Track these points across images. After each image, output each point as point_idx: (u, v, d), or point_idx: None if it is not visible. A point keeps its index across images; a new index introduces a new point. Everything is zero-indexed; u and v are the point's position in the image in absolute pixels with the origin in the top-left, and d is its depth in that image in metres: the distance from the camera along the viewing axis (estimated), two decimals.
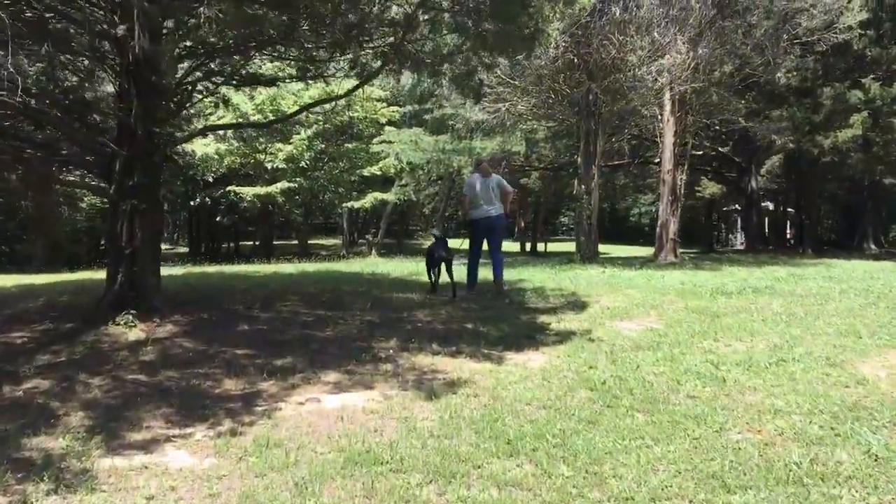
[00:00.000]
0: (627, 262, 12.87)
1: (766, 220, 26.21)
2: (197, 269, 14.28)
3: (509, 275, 11.15)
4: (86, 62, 7.06)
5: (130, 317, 6.36)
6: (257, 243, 45.92)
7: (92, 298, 7.52)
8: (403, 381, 4.96)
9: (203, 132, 10.87)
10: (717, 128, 15.02)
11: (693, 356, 5.67)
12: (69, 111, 7.43)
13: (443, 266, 8.94)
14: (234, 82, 7.89)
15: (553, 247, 45.25)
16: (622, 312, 7.51)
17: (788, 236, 30.03)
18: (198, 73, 7.51)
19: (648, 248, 45.14)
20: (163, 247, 47.08)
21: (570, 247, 46.84)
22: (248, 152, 27.48)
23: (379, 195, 27.20)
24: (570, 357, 5.66)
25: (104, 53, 6.80)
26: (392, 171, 25.66)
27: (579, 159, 12.04)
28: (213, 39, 6.71)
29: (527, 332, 6.60)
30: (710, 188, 28.41)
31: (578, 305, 8.04)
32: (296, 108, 26.48)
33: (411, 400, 4.53)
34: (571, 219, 62.02)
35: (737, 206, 39.40)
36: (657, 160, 13.46)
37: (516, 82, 11.59)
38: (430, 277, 9.13)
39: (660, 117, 12.97)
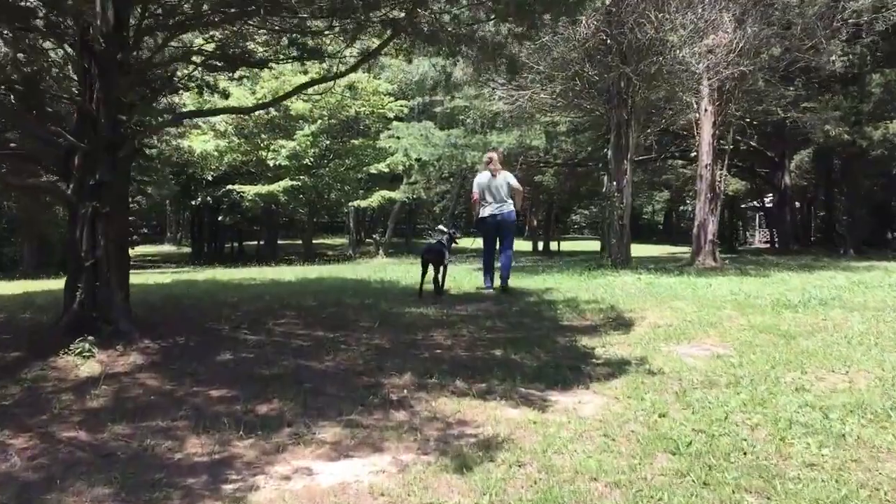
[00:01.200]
0: (662, 267, 11.66)
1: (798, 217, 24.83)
2: (186, 277, 13.14)
3: (533, 281, 10.01)
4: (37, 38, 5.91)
5: (87, 344, 5.22)
6: (262, 243, 44.88)
7: (57, 317, 6.39)
8: (423, 441, 3.79)
9: (178, 119, 9.71)
10: (748, 119, 13.83)
11: (786, 397, 4.49)
12: (24, 97, 6.30)
13: (431, 267, 8.80)
14: (219, 64, 6.71)
15: (566, 245, 43.99)
16: (677, 333, 6.32)
17: (813, 235, 28.61)
18: (172, 49, 6.36)
19: (663, 248, 43.87)
20: (166, 248, 46.22)
21: (584, 245, 45.61)
22: (250, 149, 26.40)
23: (387, 194, 26.07)
24: (632, 399, 4.48)
25: (58, 24, 5.65)
26: (400, 168, 24.55)
27: (609, 153, 10.84)
28: (185, 6, 5.55)
29: (569, 362, 5.42)
30: (733, 185, 27.10)
31: (623, 323, 6.85)
32: (300, 102, 25.37)
33: (435, 473, 3.36)
34: (586, 217, 60.51)
35: (755, 203, 38.05)
36: (693, 153, 12.22)
37: (540, 66, 10.39)
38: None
39: (696, 106, 11.74)
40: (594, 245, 43.19)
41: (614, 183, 10.80)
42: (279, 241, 43.80)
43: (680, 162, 25.11)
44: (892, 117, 13.57)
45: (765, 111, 12.74)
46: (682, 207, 48.32)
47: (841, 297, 8.11)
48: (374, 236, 42.71)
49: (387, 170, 25.33)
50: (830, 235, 22.22)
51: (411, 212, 42.19)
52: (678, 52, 9.42)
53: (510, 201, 8.77)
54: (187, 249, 46.26)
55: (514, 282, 9.86)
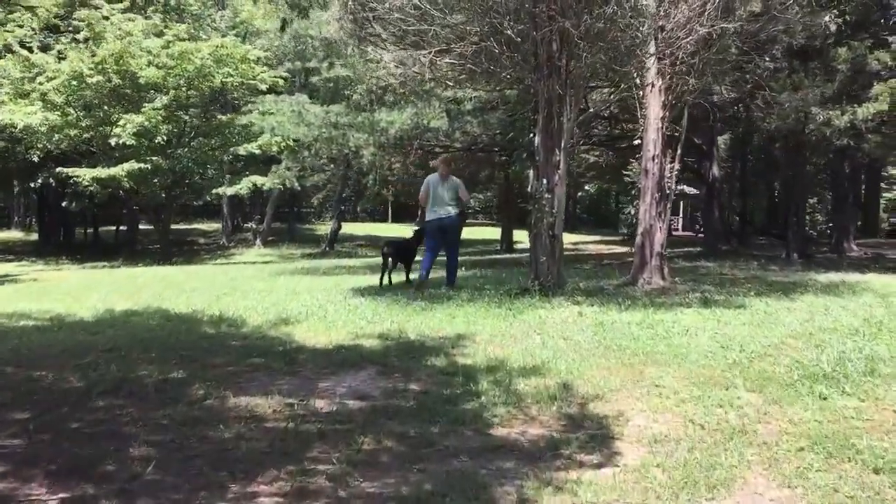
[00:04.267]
0: (600, 288, 9.03)
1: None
2: None
3: (438, 320, 7.12)
4: None
5: None
6: (123, 229, 39.72)
7: None
8: None
9: None
10: (711, 97, 11.48)
11: None
12: None
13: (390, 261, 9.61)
14: None
15: (468, 232, 41.41)
16: (699, 466, 3.58)
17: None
18: None
19: (585, 237, 41.91)
20: (14, 234, 40.24)
21: (480, 233, 43.14)
22: (92, 124, 21.92)
23: (259, 180, 22.33)
24: None
25: None
26: (275, 149, 20.94)
27: (536, 139, 8.08)
28: None
29: None
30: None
31: (595, 435, 4.05)
32: (151, 69, 21.17)
33: None
34: (480, 202, 57.91)
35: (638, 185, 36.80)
36: (637, 141, 9.67)
37: (443, 19, 7.42)
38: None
39: (639, 82, 9.15)
40: (491, 232, 40.88)
41: (543, 180, 8.03)
42: (143, 227, 38.76)
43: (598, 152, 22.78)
44: (862, 99, 11.55)
45: (734, 86, 10.37)
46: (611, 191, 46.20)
47: (876, 354, 5.67)
48: (251, 223, 38.61)
49: (258, 151, 21.63)
50: (745, 233, 20.81)
51: (294, 196, 38.24)
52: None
53: (454, 206, 9.08)
54: (36, 236, 40.31)
55: (413, 317, 7.08)
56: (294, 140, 16.22)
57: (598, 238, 40.21)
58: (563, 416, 4.32)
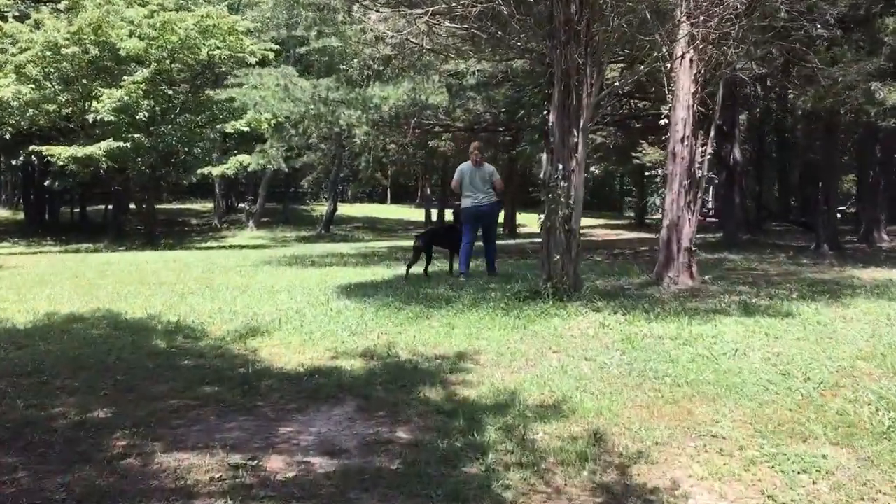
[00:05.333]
0: (622, 290, 7.90)
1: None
2: None
3: (434, 332, 6.01)
4: None
5: None
6: (110, 207, 38.41)
7: None
8: None
9: None
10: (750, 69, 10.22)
11: None
12: None
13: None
14: None
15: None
16: None
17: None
18: None
19: (597, 220, 40.40)
20: (0, 214, 38.64)
21: None
22: (71, 99, 20.66)
23: (246, 159, 21.09)
24: None
25: None
26: (264, 126, 19.67)
27: (550, 117, 6.90)
28: None
29: None
30: (651, 154, 24.08)
31: None
32: (134, 40, 19.87)
33: None
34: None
35: (658, 171, 35.61)
36: (663, 121, 8.51)
37: None
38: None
39: (666, 53, 7.95)
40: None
41: (558, 166, 6.89)
42: (134, 206, 37.49)
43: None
44: None
45: (764, 60, 9.09)
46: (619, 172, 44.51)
47: None
48: (243, 204, 37.40)
49: (247, 128, 20.39)
50: (761, 219, 19.65)
51: (289, 175, 36.94)
52: None
53: (491, 193, 9.09)
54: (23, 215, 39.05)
55: (405, 327, 5.99)
56: (275, 117, 15.01)
57: (602, 222, 39.02)
58: (598, 488, 3.22)
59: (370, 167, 25.05)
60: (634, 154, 24.34)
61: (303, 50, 16.84)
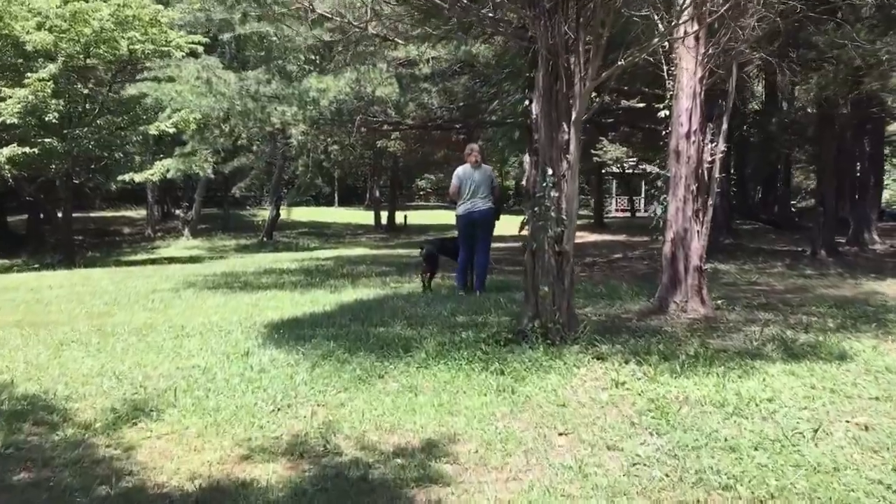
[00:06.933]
0: (625, 324, 6.38)
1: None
2: None
3: (382, 406, 4.37)
4: None
5: None
6: (41, 217, 35.43)
7: None
8: None
9: None
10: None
11: None
12: None
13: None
14: None
15: (413, 217, 38.51)
16: None
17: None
18: None
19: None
20: None
21: (432, 217, 40.22)
22: None
23: (172, 164, 18.99)
24: None
25: None
26: (192, 126, 17.65)
27: (533, 108, 5.38)
28: None
29: None
30: (612, 152, 22.82)
31: None
32: (42, 33, 17.61)
33: None
34: (432, 183, 54.48)
35: (653, 170, 34.59)
36: (663, 113, 7.07)
37: None
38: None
39: (669, 35, 6.49)
40: (443, 215, 38.02)
41: (546, 170, 5.36)
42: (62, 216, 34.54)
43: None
44: None
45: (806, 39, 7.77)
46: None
47: None
48: (178, 211, 34.97)
49: (173, 130, 18.32)
50: (729, 220, 18.51)
51: (228, 178, 34.52)
52: None
53: (488, 198, 8.48)
54: None
55: (351, 394, 4.36)
56: (195, 115, 13.12)
57: (581, 222, 37.75)
58: None
59: (310, 172, 23.18)
60: (594, 151, 23.06)
61: (227, 36, 14.85)
